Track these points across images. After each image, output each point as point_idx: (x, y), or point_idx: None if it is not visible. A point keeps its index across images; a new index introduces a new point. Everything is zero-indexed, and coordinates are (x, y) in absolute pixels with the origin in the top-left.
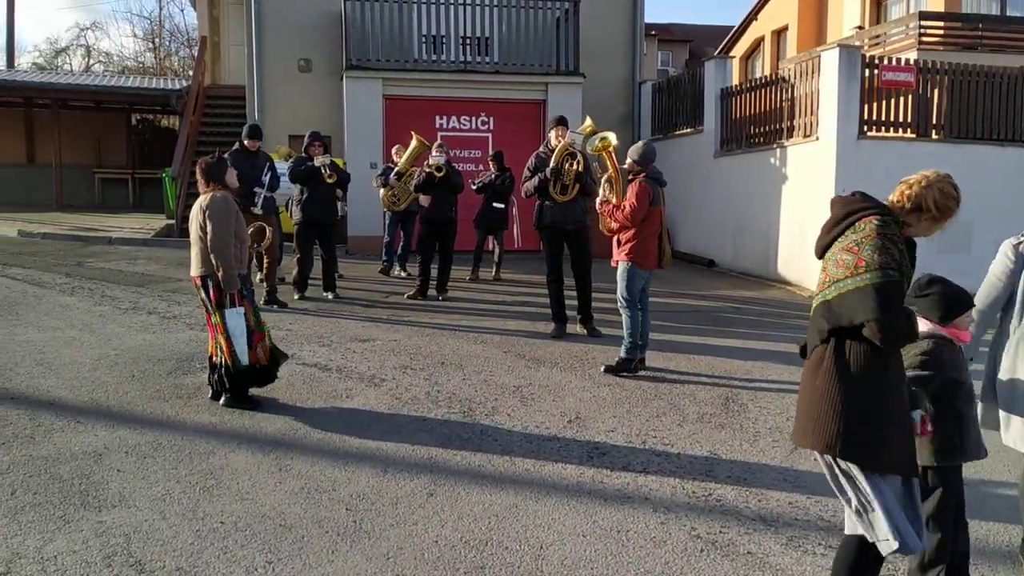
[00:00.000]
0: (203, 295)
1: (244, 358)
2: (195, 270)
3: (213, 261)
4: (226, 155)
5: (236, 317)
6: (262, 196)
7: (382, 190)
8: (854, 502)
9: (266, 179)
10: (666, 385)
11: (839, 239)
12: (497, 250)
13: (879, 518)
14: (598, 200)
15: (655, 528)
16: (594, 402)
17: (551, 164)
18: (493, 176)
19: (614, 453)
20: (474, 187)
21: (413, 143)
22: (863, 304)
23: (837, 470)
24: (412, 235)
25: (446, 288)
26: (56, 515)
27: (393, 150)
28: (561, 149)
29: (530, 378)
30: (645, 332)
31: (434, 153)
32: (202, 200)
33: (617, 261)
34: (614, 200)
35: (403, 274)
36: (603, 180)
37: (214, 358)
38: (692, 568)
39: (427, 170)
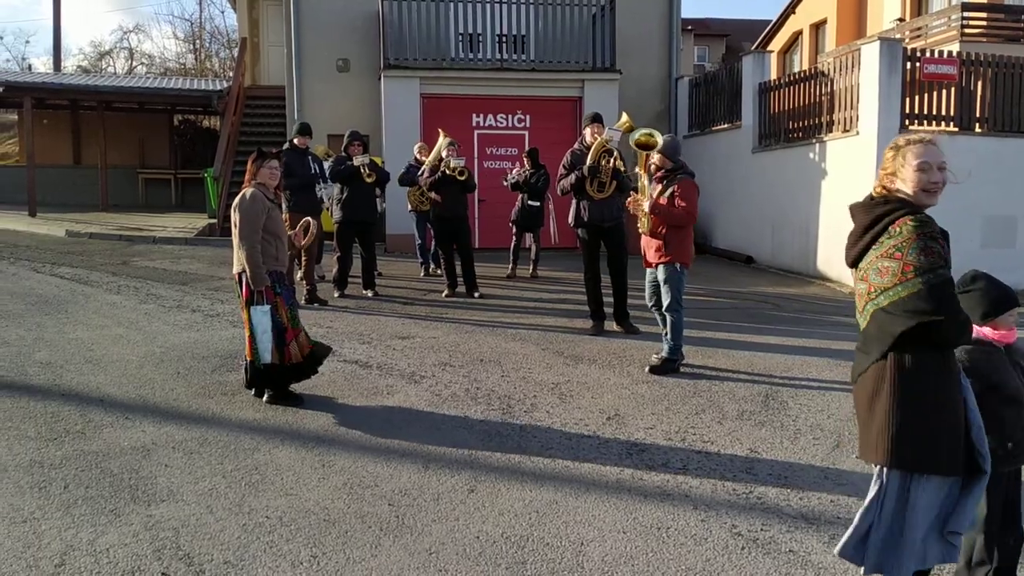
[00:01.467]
0: (238, 291)
1: (267, 356)
2: (234, 267)
3: (240, 258)
4: (278, 152)
5: (260, 315)
6: (325, 189)
7: (408, 189)
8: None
9: (327, 171)
10: (705, 382)
11: (874, 246)
12: (534, 248)
13: (905, 540)
14: (646, 201)
15: (695, 525)
16: (633, 399)
17: (587, 161)
18: (528, 173)
19: (653, 451)
20: (506, 183)
21: (441, 140)
22: (922, 307)
23: (887, 480)
24: None
25: (476, 285)
26: (107, 509)
27: (415, 149)
28: (598, 146)
29: (568, 375)
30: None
31: (445, 153)
32: (236, 199)
33: (657, 263)
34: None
35: (439, 271)
36: (643, 179)
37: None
38: (733, 566)
39: (447, 172)
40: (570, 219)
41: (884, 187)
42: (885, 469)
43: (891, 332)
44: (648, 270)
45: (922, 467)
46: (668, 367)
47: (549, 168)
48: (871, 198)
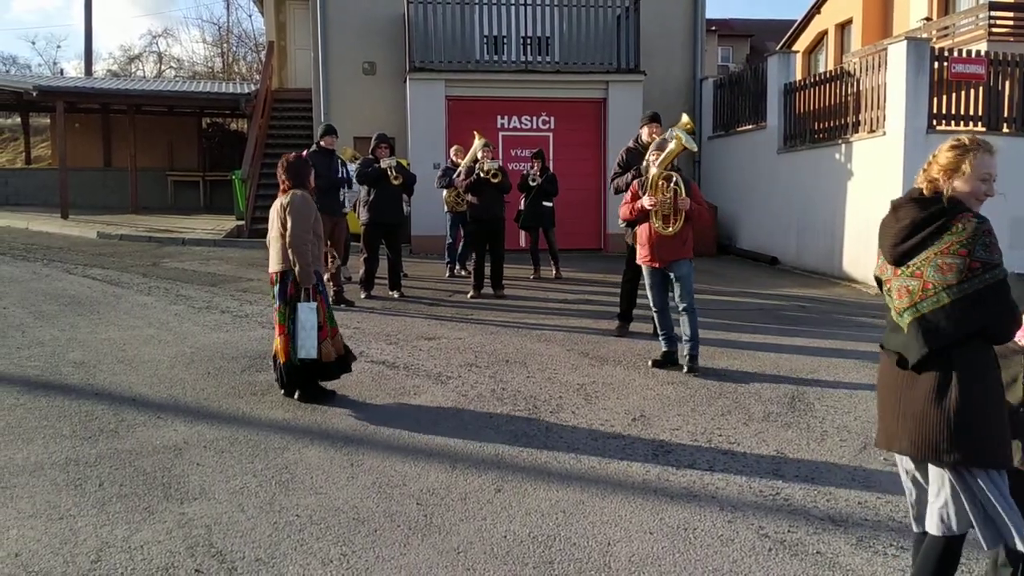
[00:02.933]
0: (277, 290)
1: (313, 352)
2: (274, 266)
3: (291, 257)
4: (305, 154)
5: (308, 311)
6: (349, 194)
7: (445, 191)
8: (963, 505)
9: (351, 175)
10: (731, 384)
11: (933, 243)
12: (551, 248)
13: (1001, 516)
14: (687, 200)
15: (722, 526)
16: (658, 400)
17: (644, 161)
18: (539, 174)
19: (679, 451)
20: (533, 183)
21: (476, 142)
22: (995, 302)
23: (954, 477)
24: None
25: (502, 285)
26: (141, 506)
27: (452, 151)
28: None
29: (594, 376)
30: (671, 327)
31: (480, 155)
32: (283, 199)
33: (675, 260)
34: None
35: (463, 272)
36: (675, 181)
37: (278, 358)
38: (760, 567)
39: (482, 175)
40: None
41: (933, 181)
42: (946, 468)
43: (953, 327)
44: (652, 271)
45: (983, 461)
46: (696, 364)
47: (578, 169)
48: (921, 193)
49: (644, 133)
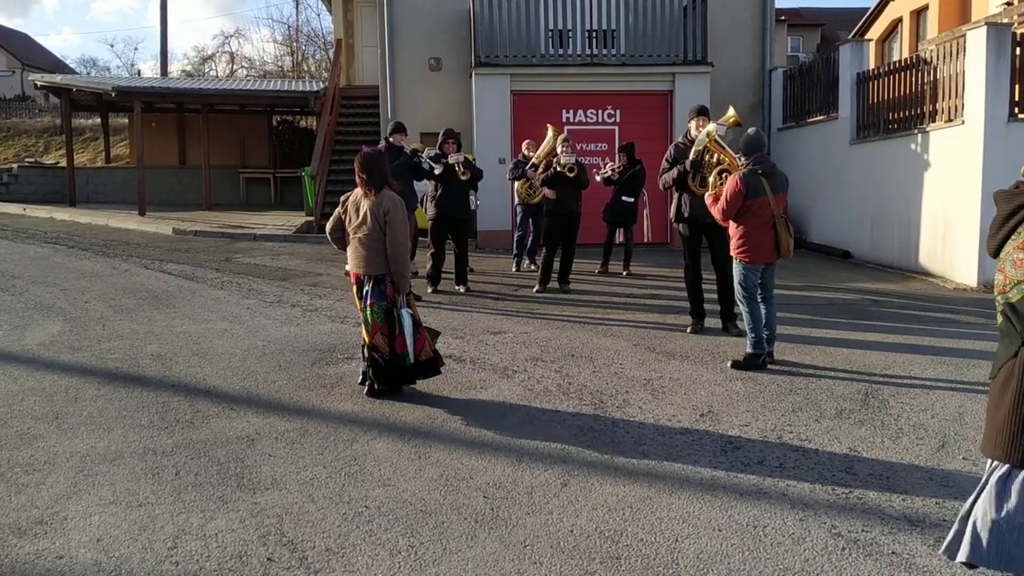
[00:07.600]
0: (370, 289)
1: (412, 356)
2: (368, 268)
3: (392, 264)
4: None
5: (408, 317)
6: (425, 192)
7: (518, 183)
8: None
9: (427, 164)
10: (802, 379)
11: (1012, 237)
12: (626, 244)
13: None
14: (707, 194)
15: (793, 525)
16: (727, 396)
17: (690, 156)
18: (620, 168)
19: (748, 448)
20: (599, 177)
21: (550, 135)
22: None
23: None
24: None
25: (568, 280)
26: (215, 495)
27: (524, 144)
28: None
29: (661, 371)
30: (772, 325)
31: (560, 149)
32: (375, 201)
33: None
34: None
35: (532, 267)
36: (714, 172)
37: (375, 353)
38: (833, 566)
39: (558, 169)
40: (671, 214)
41: None
42: (1008, 467)
43: (1020, 325)
44: None
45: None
46: (750, 362)
47: (645, 162)
48: (1016, 186)
49: (692, 127)
